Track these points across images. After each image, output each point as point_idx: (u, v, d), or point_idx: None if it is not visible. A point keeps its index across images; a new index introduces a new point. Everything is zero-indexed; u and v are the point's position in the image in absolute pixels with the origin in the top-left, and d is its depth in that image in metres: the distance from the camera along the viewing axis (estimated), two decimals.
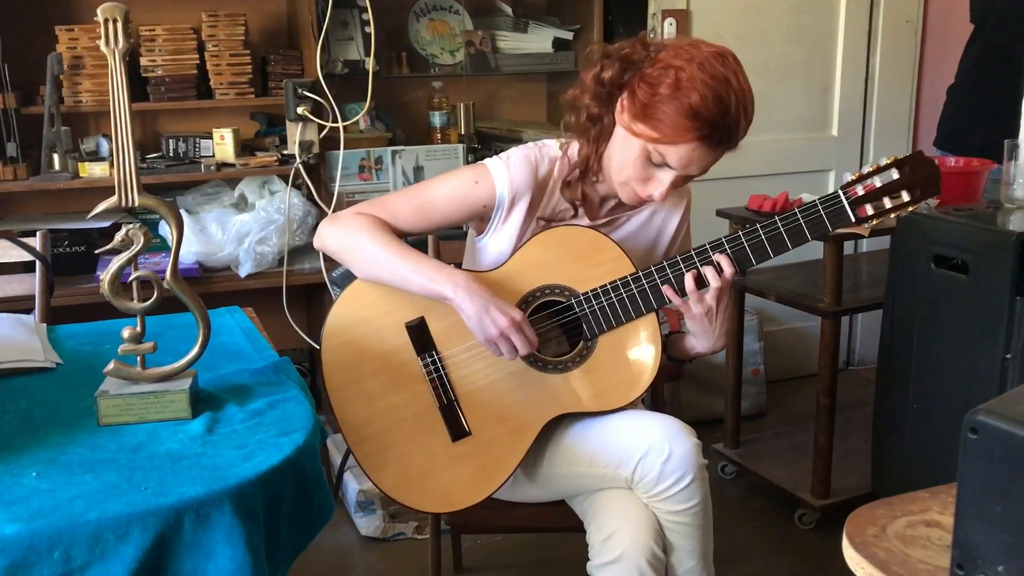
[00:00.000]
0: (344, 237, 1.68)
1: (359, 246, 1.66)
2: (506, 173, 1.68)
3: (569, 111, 1.68)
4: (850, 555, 0.95)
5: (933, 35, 3.58)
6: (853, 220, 1.61)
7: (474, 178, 1.69)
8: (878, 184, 1.61)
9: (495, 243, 1.73)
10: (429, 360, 1.67)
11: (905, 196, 1.61)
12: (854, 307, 2.61)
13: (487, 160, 1.71)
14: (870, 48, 3.55)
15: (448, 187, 1.71)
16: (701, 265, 1.62)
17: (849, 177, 1.64)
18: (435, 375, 1.67)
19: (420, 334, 1.67)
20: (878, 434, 2.38)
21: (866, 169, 1.63)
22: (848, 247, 2.59)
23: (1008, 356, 1.97)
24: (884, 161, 1.63)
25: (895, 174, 1.61)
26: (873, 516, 0.99)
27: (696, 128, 1.52)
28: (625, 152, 1.61)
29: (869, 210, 1.61)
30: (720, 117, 1.52)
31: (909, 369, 2.22)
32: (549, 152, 1.72)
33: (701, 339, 1.69)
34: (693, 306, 1.63)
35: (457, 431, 1.68)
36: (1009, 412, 0.81)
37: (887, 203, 1.61)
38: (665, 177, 1.60)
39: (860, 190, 1.61)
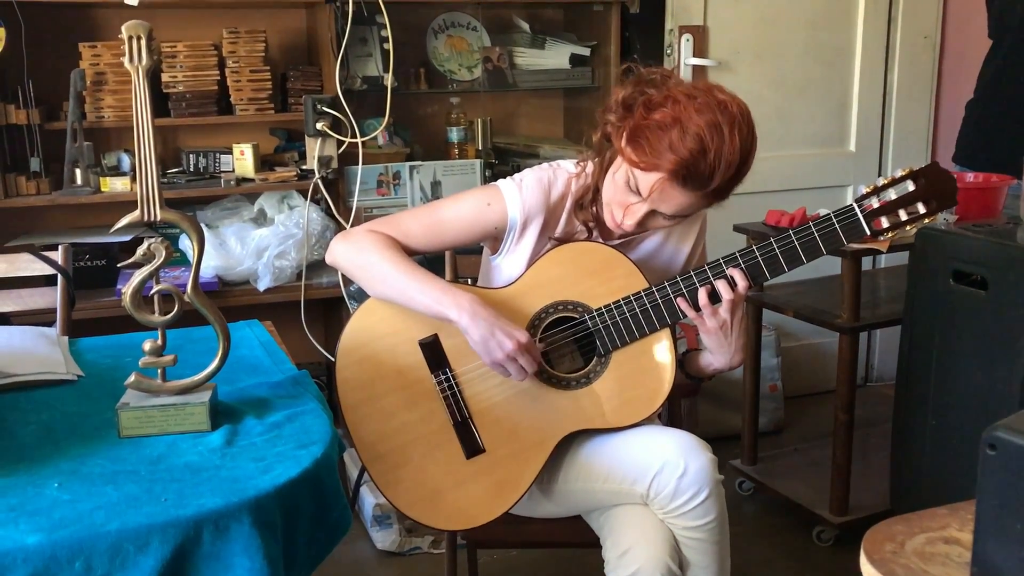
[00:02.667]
0: (354, 255, 1.69)
1: (369, 264, 1.67)
2: (518, 196, 1.68)
3: (594, 128, 1.69)
4: (868, 572, 0.95)
5: (951, 50, 3.58)
6: (868, 233, 1.60)
7: (486, 200, 1.70)
8: (893, 196, 1.59)
9: (509, 264, 1.74)
10: (443, 377, 1.68)
11: (921, 208, 1.59)
12: (872, 323, 2.60)
13: (500, 182, 1.72)
14: (888, 63, 3.54)
15: (460, 208, 1.72)
16: (715, 279, 1.62)
17: (864, 190, 1.63)
18: (449, 392, 1.68)
19: (434, 351, 1.68)
20: (896, 450, 2.36)
21: (881, 181, 1.61)
22: (866, 262, 2.58)
23: None
24: (899, 173, 1.61)
25: (910, 186, 1.59)
26: (891, 532, 0.99)
27: (668, 162, 1.51)
28: (615, 173, 1.62)
29: (884, 223, 1.60)
30: (693, 159, 1.50)
31: (928, 385, 2.20)
32: (564, 173, 1.72)
33: (717, 355, 1.68)
34: (708, 320, 1.62)
35: (471, 448, 1.68)
36: None
37: (903, 216, 1.60)
38: (637, 207, 1.59)
39: (875, 203, 1.59)
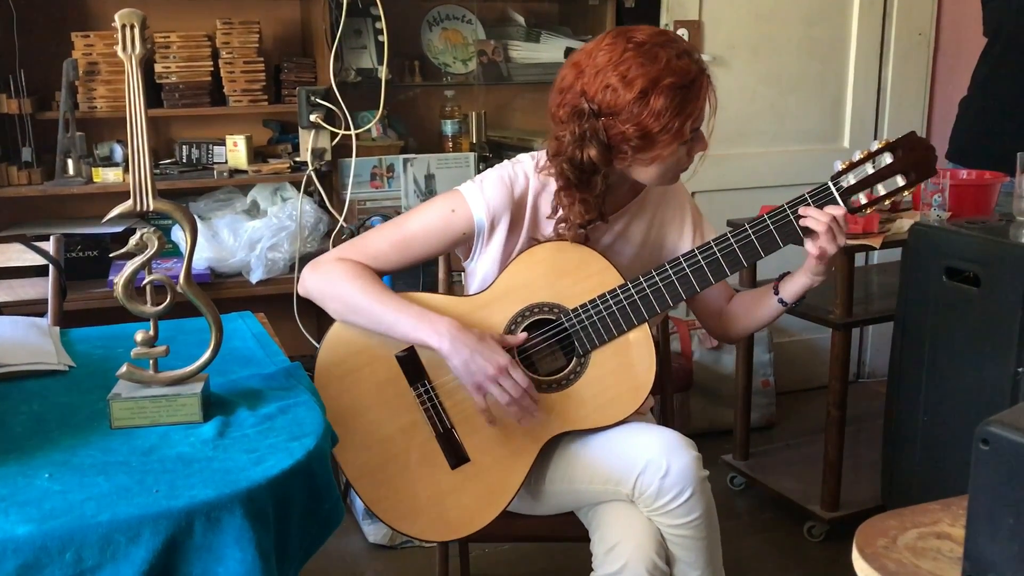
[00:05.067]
0: (326, 286, 1.67)
1: (340, 295, 1.65)
2: (481, 197, 1.67)
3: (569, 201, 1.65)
4: (860, 566, 0.95)
5: (946, 47, 3.58)
6: (846, 211, 1.57)
7: (450, 206, 1.68)
8: (870, 171, 1.56)
9: (481, 266, 1.73)
10: (422, 390, 1.67)
11: (900, 181, 1.57)
12: (865, 319, 2.61)
13: (462, 186, 1.70)
14: (882, 60, 3.55)
15: (425, 218, 1.69)
16: (689, 267, 1.61)
17: (840, 166, 1.59)
18: (429, 404, 1.67)
19: (411, 364, 1.66)
20: (888, 446, 2.37)
21: (857, 156, 1.57)
22: (859, 259, 2.58)
23: (1020, 369, 1.96)
24: (876, 146, 1.58)
25: (888, 158, 1.56)
26: (883, 527, 0.99)
27: (683, 88, 1.53)
28: (662, 168, 1.61)
29: (863, 199, 1.57)
30: (679, 62, 1.53)
31: (920, 381, 2.21)
32: (524, 168, 1.71)
33: (817, 277, 1.66)
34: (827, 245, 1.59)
35: (456, 458, 1.67)
36: (1021, 424, 0.80)
37: (881, 190, 1.57)
38: (700, 138, 1.61)
39: (852, 179, 1.57)
